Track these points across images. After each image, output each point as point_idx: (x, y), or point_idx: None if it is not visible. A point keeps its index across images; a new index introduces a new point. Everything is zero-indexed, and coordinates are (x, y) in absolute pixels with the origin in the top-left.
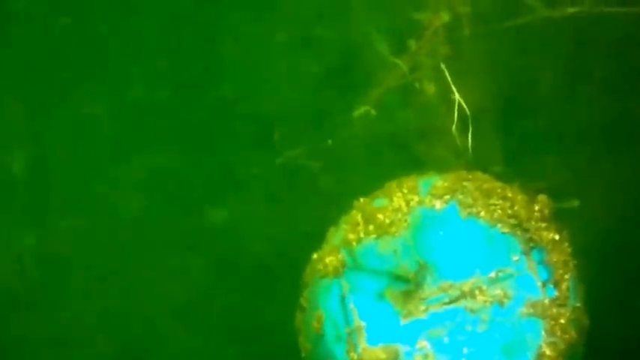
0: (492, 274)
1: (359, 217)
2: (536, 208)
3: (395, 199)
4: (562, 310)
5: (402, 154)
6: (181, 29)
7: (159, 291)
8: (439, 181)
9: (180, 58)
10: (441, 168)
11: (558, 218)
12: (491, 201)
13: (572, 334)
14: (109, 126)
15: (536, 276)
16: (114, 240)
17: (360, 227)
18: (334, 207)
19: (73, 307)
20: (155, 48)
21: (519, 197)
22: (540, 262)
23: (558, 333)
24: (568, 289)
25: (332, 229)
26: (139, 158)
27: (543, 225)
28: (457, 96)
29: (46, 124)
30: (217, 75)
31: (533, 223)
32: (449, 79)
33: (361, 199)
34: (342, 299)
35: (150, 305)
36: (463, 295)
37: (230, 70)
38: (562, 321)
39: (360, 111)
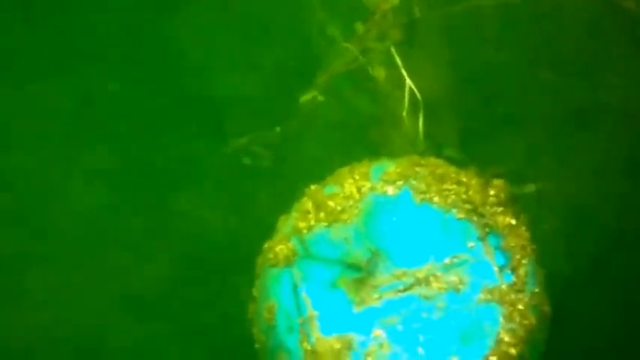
0: (447, 261)
1: (309, 205)
2: (492, 192)
3: (346, 185)
4: (520, 296)
5: (353, 139)
6: (134, 21)
7: (114, 284)
8: (391, 167)
9: (132, 50)
10: (393, 153)
11: (515, 203)
12: (445, 186)
13: (532, 320)
14: (66, 120)
15: (493, 261)
16: (72, 233)
17: (311, 215)
18: (284, 195)
19: (31, 300)
20: (110, 41)
21: (474, 182)
22: (497, 248)
23: (517, 319)
24: (526, 274)
25: (282, 218)
26: (94, 152)
27: (499, 210)
28: (408, 80)
29: (4, 118)
30: (165, 64)
31: (488, 208)
32: (399, 63)
33: (312, 187)
34: (294, 289)
35: (105, 298)
36: (417, 283)
37: (177, 58)
38: (520, 307)
39: (306, 97)
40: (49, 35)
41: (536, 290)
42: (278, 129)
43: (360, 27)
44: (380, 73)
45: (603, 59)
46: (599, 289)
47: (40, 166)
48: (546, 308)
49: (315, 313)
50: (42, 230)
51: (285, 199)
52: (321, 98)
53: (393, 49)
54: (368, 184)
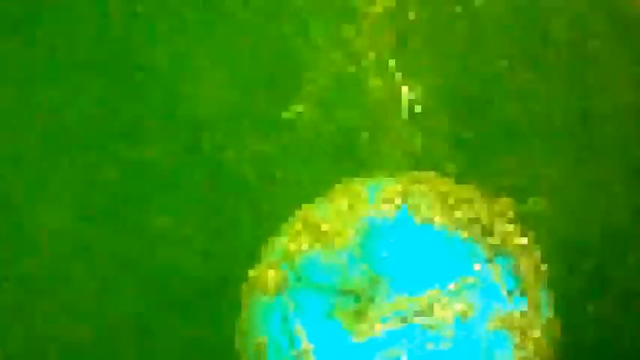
0: (453, 286)
1: (300, 228)
2: (499, 209)
3: (339, 206)
4: (533, 322)
5: (345, 156)
6: (107, 35)
7: (89, 311)
8: (388, 185)
9: (105, 65)
10: (390, 170)
11: (524, 220)
12: (448, 204)
13: (546, 348)
14: (38, 138)
15: (502, 285)
16: (43, 257)
17: (302, 238)
18: (271, 217)
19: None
20: (82, 55)
21: (479, 199)
22: (506, 270)
23: (530, 347)
24: (539, 298)
25: (270, 242)
26: (69, 169)
27: (508, 228)
28: (404, 89)
29: None
30: (142, 77)
31: (496, 226)
32: (395, 70)
33: (301, 207)
34: (286, 320)
35: (80, 327)
36: (421, 310)
37: (154, 70)
38: (534, 334)
39: (292, 110)
40: (15, 52)
41: (550, 315)
42: (262, 145)
43: (349, 32)
44: (374, 81)
45: (600, 63)
46: (608, 304)
47: (15, 186)
48: (558, 333)
49: (311, 346)
50: (15, 253)
51: (273, 221)
52: (308, 111)
53: (386, 55)
54: (363, 204)
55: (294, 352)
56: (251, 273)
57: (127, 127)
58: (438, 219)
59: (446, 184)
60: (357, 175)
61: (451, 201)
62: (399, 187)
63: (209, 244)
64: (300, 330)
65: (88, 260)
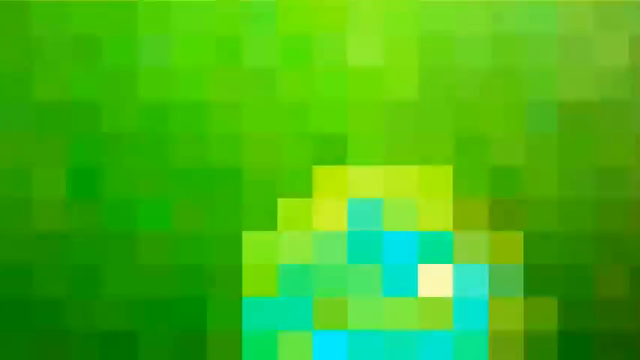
0: (432, 283)
1: (283, 219)
2: (479, 207)
3: (323, 199)
4: (514, 317)
5: (331, 149)
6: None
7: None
8: (373, 179)
9: (102, 65)
10: (376, 164)
11: (505, 217)
12: (429, 201)
13: (526, 342)
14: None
15: (482, 282)
16: (35, 255)
17: (286, 230)
18: (256, 209)
19: None
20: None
21: (459, 196)
22: (490, 267)
23: (510, 342)
24: (523, 294)
25: (255, 233)
26: (59, 157)
27: (488, 225)
28: (386, 86)
29: None
30: (138, 69)
31: (476, 223)
32: (376, 68)
33: (285, 200)
34: (269, 319)
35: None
36: (404, 305)
37: (148, 65)
38: (514, 329)
39: (279, 103)
40: (17, 70)
41: (532, 310)
42: (248, 137)
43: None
44: (354, 79)
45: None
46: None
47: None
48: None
49: (294, 344)
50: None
51: (257, 213)
52: (293, 105)
53: (367, 50)
54: (348, 198)
55: (273, 344)
56: (235, 266)
57: (122, 122)
58: (423, 214)
59: (432, 179)
60: (342, 169)
61: (432, 198)
62: (383, 182)
63: (192, 235)
64: (282, 330)
65: (74, 253)
